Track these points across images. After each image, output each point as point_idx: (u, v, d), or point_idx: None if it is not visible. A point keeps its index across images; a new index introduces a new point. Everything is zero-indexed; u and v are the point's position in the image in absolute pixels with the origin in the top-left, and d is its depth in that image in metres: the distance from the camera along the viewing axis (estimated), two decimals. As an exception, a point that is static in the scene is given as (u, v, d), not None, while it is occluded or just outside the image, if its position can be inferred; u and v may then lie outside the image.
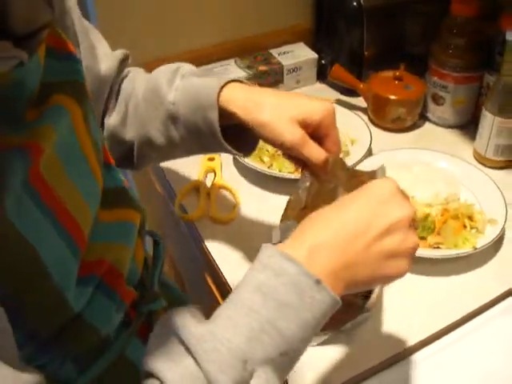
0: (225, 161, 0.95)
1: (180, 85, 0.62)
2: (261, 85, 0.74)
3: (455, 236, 0.76)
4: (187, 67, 0.66)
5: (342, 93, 1.12)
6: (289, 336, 0.42)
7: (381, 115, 1.02)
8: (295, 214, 0.62)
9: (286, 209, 0.64)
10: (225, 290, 0.75)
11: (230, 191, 0.89)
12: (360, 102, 1.07)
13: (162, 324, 0.44)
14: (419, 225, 0.76)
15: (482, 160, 0.93)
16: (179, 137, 0.62)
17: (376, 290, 0.63)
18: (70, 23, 0.57)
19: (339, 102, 1.08)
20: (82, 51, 0.60)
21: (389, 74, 1.03)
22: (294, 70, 1.12)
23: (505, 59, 0.83)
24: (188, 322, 0.42)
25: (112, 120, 0.68)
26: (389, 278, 0.47)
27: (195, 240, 0.85)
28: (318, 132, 0.57)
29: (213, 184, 0.90)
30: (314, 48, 1.16)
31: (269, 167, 0.91)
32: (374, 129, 1.00)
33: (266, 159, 0.92)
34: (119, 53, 0.68)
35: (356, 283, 0.46)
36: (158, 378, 0.40)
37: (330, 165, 0.57)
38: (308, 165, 0.58)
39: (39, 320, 0.44)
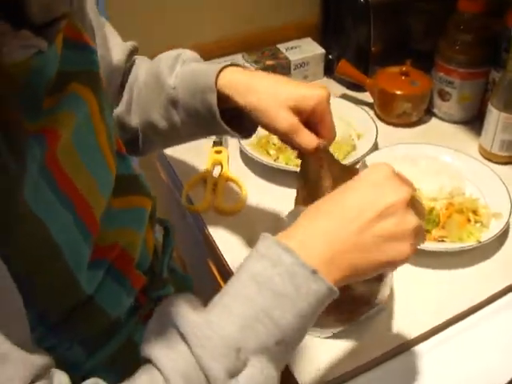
0: (232, 154, 0.96)
1: (180, 70, 0.63)
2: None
3: (460, 230, 0.76)
4: (188, 53, 0.67)
5: (348, 88, 1.12)
6: (284, 325, 0.42)
7: (387, 110, 1.02)
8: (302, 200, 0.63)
9: (297, 194, 0.64)
10: (228, 278, 0.75)
11: (237, 183, 0.89)
12: (366, 96, 1.08)
13: (160, 311, 0.45)
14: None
15: (487, 155, 0.93)
16: (180, 120, 0.63)
17: (386, 281, 0.63)
18: (87, 17, 0.59)
19: (346, 97, 1.09)
20: (97, 42, 0.61)
21: (395, 69, 1.03)
22: (301, 65, 1.13)
23: (511, 55, 0.84)
24: (185, 310, 0.43)
25: (119, 108, 0.69)
26: (390, 263, 0.46)
27: (200, 230, 0.86)
28: (312, 118, 0.58)
29: (220, 176, 0.90)
30: (321, 43, 1.16)
31: (275, 160, 0.91)
32: (380, 124, 1.01)
33: (272, 152, 0.93)
34: (129, 44, 0.70)
35: (356, 270, 0.45)
36: (153, 364, 0.41)
37: (321, 151, 0.58)
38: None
39: (50, 301, 0.45)
